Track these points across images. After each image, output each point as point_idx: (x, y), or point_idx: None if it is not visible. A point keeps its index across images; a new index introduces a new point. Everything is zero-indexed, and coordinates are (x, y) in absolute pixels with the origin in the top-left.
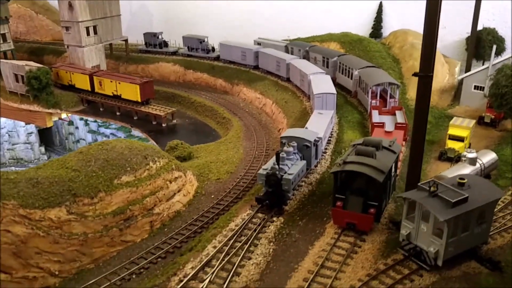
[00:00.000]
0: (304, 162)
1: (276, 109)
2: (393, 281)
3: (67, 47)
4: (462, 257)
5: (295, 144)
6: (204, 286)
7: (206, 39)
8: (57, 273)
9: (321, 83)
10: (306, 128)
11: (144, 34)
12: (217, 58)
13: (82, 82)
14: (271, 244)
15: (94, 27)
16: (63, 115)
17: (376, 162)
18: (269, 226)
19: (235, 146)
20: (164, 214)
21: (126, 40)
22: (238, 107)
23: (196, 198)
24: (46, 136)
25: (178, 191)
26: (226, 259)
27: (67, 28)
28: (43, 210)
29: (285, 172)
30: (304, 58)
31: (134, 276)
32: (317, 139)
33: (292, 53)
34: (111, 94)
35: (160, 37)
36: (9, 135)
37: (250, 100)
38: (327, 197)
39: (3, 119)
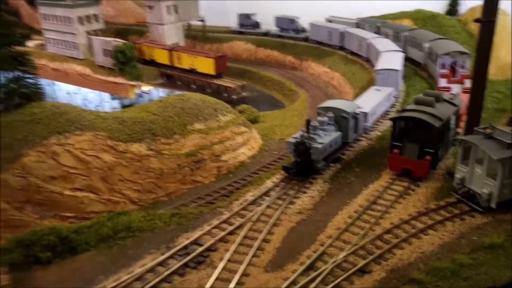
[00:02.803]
0: (338, 133)
1: (343, 81)
2: (442, 218)
3: (150, 25)
4: None
5: (332, 115)
6: (261, 209)
7: (297, 20)
8: (136, 200)
9: (389, 60)
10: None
11: (238, 15)
12: (306, 39)
13: (162, 57)
14: (326, 183)
15: (175, 7)
16: (144, 88)
17: (434, 110)
18: (326, 170)
19: (299, 113)
20: (230, 162)
21: (203, 21)
22: (305, 81)
23: (260, 153)
24: None
25: (244, 144)
26: (283, 191)
27: (150, 7)
28: (127, 144)
29: (315, 141)
30: (375, 33)
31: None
32: (357, 112)
33: (364, 29)
34: (188, 68)
35: (253, 18)
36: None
37: (318, 75)
38: (385, 151)
39: (90, 95)
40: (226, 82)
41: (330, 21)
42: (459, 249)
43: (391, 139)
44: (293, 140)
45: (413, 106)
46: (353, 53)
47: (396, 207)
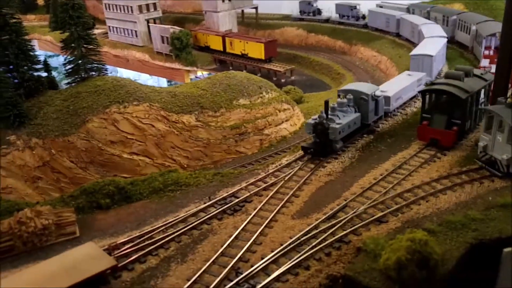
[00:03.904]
0: (357, 114)
1: (390, 64)
2: (462, 181)
3: (205, 12)
4: None
5: (351, 97)
6: (293, 172)
7: (357, 6)
8: (185, 166)
9: (427, 45)
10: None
11: (299, 2)
12: (366, 26)
13: (216, 43)
14: (357, 151)
15: None
16: (199, 73)
17: (463, 84)
18: (358, 140)
19: None
20: (272, 136)
21: (256, 8)
22: (353, 64)
23: (301, 129)
24: None
25: (286, 120)
26: (315, 157)
27: None
28: (178, 115)
29: (334, 122)
30: (425, 18)
31: None
32: (377, 94)
33: (413, 14)
34: (240, 53)
35: (314, 5)
36: None
37: (367, 59)
38: (418, 125)
39: (150, 81)
40: (275, 66)
41: (381, 7)
42: (473, 207)
43: (421, 110)
44: (312, 121)
45: (443, 80)
46: (407, 40)
47: (420, 171)
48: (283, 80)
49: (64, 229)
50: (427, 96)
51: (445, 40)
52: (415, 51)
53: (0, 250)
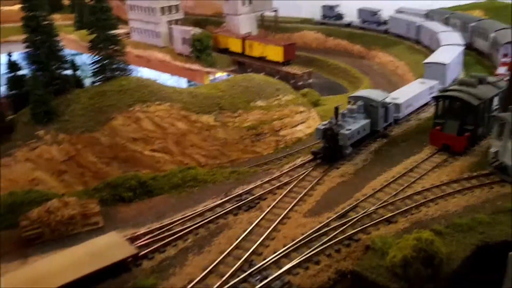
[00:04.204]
0: (367, 121)
1: (407, 70)
2: (472, 185)
3: (226, 15)
4: None
5: (361, 104)
6: (307, 172)
7: (379, 12)
8: (203, 164)
9: (442, 53)
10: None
11: (322, 6)
12: (387, 32)
13: (235, 46)
14: (370, 154)
15: None
16: (218, 74)
17: (475, 90)
18: (372, 144)
19: None
20: (287, 137)
21: (276, 11)
22: (371, 69)
23: None
24: None
25: (302, 123)
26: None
27: None
28: (198, 115)
29: (343, 128)
30: (444, 24)
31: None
32: (387, 101)
33: (432, 20)
34: (258, 56)
35: (336, 9)
36: None
37: (384, 63)
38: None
39: (170, 81)
40: (293, 69)
41: (400, 12)
42: (481, 211)
43: (434, 116)
44: (322, 127)
45: (456, 87)
46: (426, 47)
47: (431, 175)
48: (300, 83)
49: (89, 219)
50: (440, 102)
51: (462, 48)
52: (429, 59)
53: (30, 237)
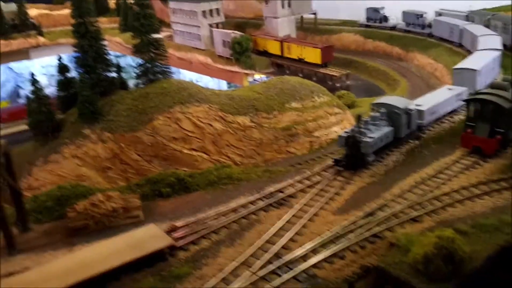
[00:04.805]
0: (390, 128)
1: (446, 72)
2: (501, 187)
3: (265, 18)
4: None
5: (384, 111)
6: (338, 172)
7: (424, 15)
8: (238, 163)
9: (475, 59)
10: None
11: (366, 9)
12: (431, 35)
13: (274, 48)
14: (402, 156)
15: (288, 1)
16: (256, 76)
17: (507, 94)
18: (404, 145)
19: None
20: (322, 138)
21: (315, 14)
22: (409, 71)
23: None
24: None
25: (336, 124)
26: None
27: (266, 2)
28: (234, 116)
29: (366, 136)
30: (485, 26)
31: None
32: (410, 108)
33: (473, 21)
34: (296, 58)
35: (381, 12)
36: None
37: (423, 66)
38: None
39: (211, 83)
40: (331, 71)
41: (440, 14)
42: (508, 212)
43: (466, 119)
44: (345, 134)
45: (488, 90)
46: (469, 51)
47: (460, 177)
48: (338, 85)
49: (130, 213)
50: (472, 105)
51: (498, 53)
52: (460, 64)
53: (76, 227)
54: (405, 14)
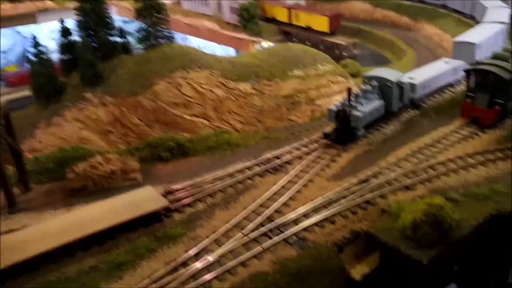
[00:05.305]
0: (381, 102)
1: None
2: (496, 158)
3: None
4: None
5: (376, 84)
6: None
7: None
8: (239, 130)
9: (477, 32)
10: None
11: None
12: (445, 7)
13: (282, 15)
14: (401, 125)
15: None
16: (263, 43)
17: (508, 65)
18: (403, 114)
19: (402, 70)
20: (324, 106)
21: None
22: (416, 41)
23: None
24: None
25: (339, 93)
26: None
27: None
28: (235, 82)
29: (356, 109)
30: None
31: None
32: (402, 81)
33: None
34: (304, 26)
35: None
36: None
37: (430, 36)
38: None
39: (218, 51)
40: (338, 39)
41: None
42: (501, 182)
43: (466, 89)
44: (335, 108)
45: (489, 60)
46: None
47: (457, 146)
48: (345, 53)
49: (128, 175)
50: (472, 75)
51: (503, 26)
52: (459, 37)
53: (75, 188)
54: None
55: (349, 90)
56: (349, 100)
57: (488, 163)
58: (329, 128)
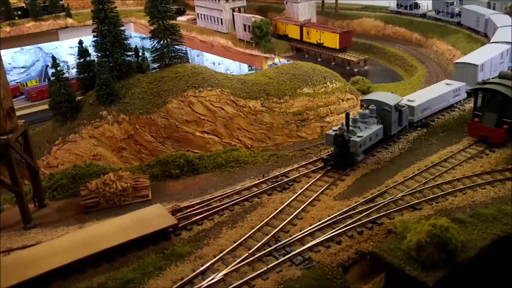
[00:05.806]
0: (380, 126)
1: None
2: (504, 178)
3: (286, 3)
4: None
5: (374, 108)
6: None
7: (454, 3)
8: (249, 146)
9: (481, 52)
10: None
11: None
12: (459, 24)
13: (293, 32)
14: (409, 143)
15: None
16: (276, 60)
17: None
18: (411, 133)
19: (412, 87)
20: (333, 123)
21: None
22: (427, 57)
23: None
24: None
25: (348, 109)
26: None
27: None
28: (245, 100)
29: (355, 134)
30: (506, 14)
31: None
32: (401, 104)
33: (494, 9)
34: (315, 43)
35: None
36: None
37: (441, 52)
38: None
39: (232, 66)
40: (349, 56)
41: (461, 0)
42: (509, 203)
43: (473, 108)
44: (333, 133)
45: (496, 80)
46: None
47: (464, 165)
48: (356, 70)
49: (139, 192)
50: (480, 94)
51: (508, 47)
52: (462, 58)
53: (87, 205)
54: (435, 2)
55: (347, 115)
56: (347, 124)
57: (496, 183)
58: (327, 152)
